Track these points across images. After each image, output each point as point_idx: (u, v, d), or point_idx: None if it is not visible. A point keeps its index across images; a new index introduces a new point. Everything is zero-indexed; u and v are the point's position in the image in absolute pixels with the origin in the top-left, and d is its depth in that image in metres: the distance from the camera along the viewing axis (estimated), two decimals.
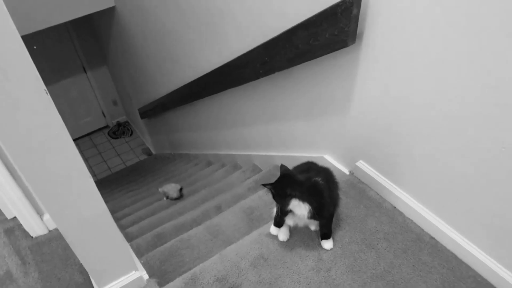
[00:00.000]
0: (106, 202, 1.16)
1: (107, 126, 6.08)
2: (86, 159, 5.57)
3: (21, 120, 0.84)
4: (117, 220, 2.53)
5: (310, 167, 1.37)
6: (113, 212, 2.81)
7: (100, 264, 1.19)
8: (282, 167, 1.29)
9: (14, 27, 0.75)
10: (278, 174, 2.08)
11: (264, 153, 2.34)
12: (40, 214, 1.55)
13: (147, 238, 1.91)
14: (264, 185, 1.26)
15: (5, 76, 0.78)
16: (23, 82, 0.80)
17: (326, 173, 1.33)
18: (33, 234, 1.55)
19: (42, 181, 0.94)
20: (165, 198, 2.64)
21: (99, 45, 5.24)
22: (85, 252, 1.13)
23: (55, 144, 0.91)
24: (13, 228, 1.58)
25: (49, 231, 1.58)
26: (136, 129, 5.91)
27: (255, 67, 1.76)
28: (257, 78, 1.82)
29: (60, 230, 1.05)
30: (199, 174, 2.95)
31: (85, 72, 5.46)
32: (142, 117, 4.69)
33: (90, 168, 5.42)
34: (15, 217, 1.60)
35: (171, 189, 2.58)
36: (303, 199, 1.21)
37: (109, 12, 3.60)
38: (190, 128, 3.46)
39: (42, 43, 4.81)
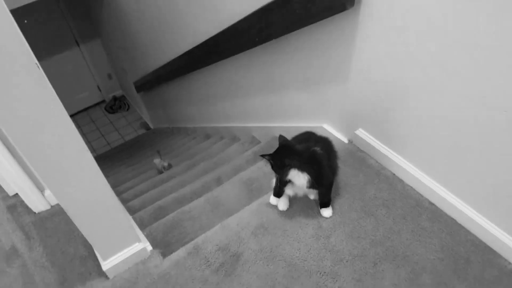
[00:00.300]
0: (107, 176, 1.16)
1: (103, 101, 6.02)
2: (84, 135, 5.55)
3: (13, 96, 0.82)
4: (119, 194, 2.55)
5: (309, 137, 1.36)
6: (114, 186, 2.83)
7: (103, 237, 1.21)
8: (281, 137, 1.29)
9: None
10: (276, 144, 2.09)
11: (262, 125, 2.33)
12: (41, 190, 1.56)
13: (149, 211, 1.93)
14: (263, 155, 1.26)
15: None
16: (13, 57, 0.78)
17: (324, 143, 1.33)
18: (35, 209, 1.57)
19: (40, 157, 0.94)
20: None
21: (91, 17, 5.10)
22: (88, 226, 1.14)
23: (50, 118, 0.90)
24: (16, 205, 1.59)
25: (51, 206, 1.59)
26: (133, 103, 5.86)
27: (251, 34, 1.71)
28: (254, 46, 1.78)
29: (62, 206, 1.06)
30: (198, 147, 2.95)
31: (78, 45, 5.34)
32: (138, 91, 4.63)
33: (88, 143, 5.42)
34: (16, 193, 1.61)
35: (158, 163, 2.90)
36: (301, 168, 1.21)
37: None
38: (187, 101, 3.42)
39: (32, 17, 4.67)
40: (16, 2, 3.03)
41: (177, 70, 2.90)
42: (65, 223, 1.50)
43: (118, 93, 6.06)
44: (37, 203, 1.56)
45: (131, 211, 2.12)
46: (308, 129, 1.85)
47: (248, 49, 1.83)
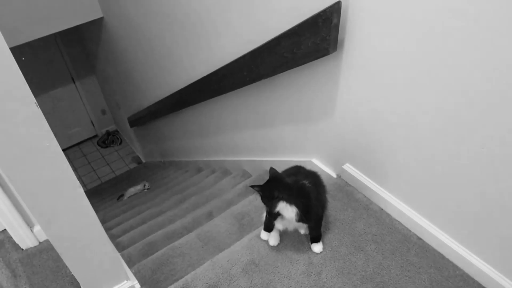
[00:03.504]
0: (96, 212, 1.17)
1: (96, 136, 6.04)
2: (75, 169, 5.52)
3: (11, 133, 0.85)
4: (108, 229, 2.52)
5: (298, 171, 1.39)
6: (103, 222, 2.80)
7: (91, 274, 1.20)
8: (271, 170, 1.32)
9: (2, 39, 0.76)
10: (267, 177, 2.11)
11: (253, 158, 2.36)
12: (30, 225, 1.54)
13: (138, 247, 1.91)
14: (253, 186, 1.28)
15: None
16: (13, 96, 0.81)
17: (313, 177, 1.36)
18: (23, 246, 1.55)
19: (32, 192, 0.95)
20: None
21: (87, 54, 5.23)
22: (76, 262, 1.14)
23: (45, 155, 0.92)
24: (3, 241, 1.57)
25: (40, 242, 1.57)
26: (126, 137, 5.88)
27: (242, 75, 1.79)
28: (244, 85, 1.85)
29: (51, 241, 1.06)
30: (189, 181, 2.96)
31: (74, 82, 5.43)
32: (131, 126, 4.68)
33: (79, 178, 5.38)
34: (5, 229, 1.59)
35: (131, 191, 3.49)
36: (290, 201, 1.23)
37: (97, 23, 3.61)
38: (180, 136, 3.47)
39: (30, 54, 4.78)
40: (16, 40, 3.12)
41: (170, 107, 2.96)
42: (53, 260, 1.48)
43: (112, 127, 6.10)
44: (25, 239, 1.54)
45: (120, 247, 2.09)
46: (298, 163, 1.89)
47: (239, 87, 1.90)
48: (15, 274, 1.43)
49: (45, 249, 1.53)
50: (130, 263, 1.83)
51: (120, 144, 5.90)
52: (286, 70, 1.52)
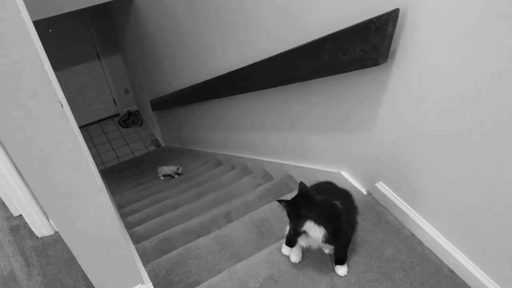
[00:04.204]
0: (113, 194, 1.12)
1: (117, 114, 6.06)
2: (95, 146, 5.56)
3: (32, 133, 0.79)
4: (124, 216, 2.50)
5: (329, 188, 1.31)
6: (120, 207, 2.79)
7: (106, 277, 1.15)
8: (301, 185, 1.24)
9: (31, 36, 0.70)
10: (289, 183, 2.03)
11: (276, 160, 2.28)
12: (46, 214, 1.51)
13: (154, 241, 1.87)
14: (280, 201, 1.21)
15: (18, 88, 0.72)
16: (37, 94, 0.75)
17: (345, 196, 1.27)
18: (38, 234, 1.52)
19: (52, 194, 0.90)
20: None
21: (114, 32, 5.19)
22: (91, 265, 1.09)
23: (67, 157, 0.86)
24: (19, 226, 1.55)
25: (55, 231, 1.54)
26: (146, 119, 5.88)
27: (276, 75, 1.69)
28: (277, 86, 1.76)
29: (67, 243, 1.01)
30: (208, 174, 2.90)
31: (99, 58, 5.42)
32: (153, 109, 4.65)
33: (98, 155, 5.42)
34: (20, 215, 1.57)
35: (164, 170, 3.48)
36: (318, 222, 1.15)
37: (128, 1, 3.55)
38: (202, 126, 3.41)
39: (57, 27, 4.77)
40: (44, 13, 3.08)
41: (195, 96, 2.90)
42: (68, 252, 1.45)
43: (133, 108, 6.10)
44: (41, 227, 1.51)
45: (135, 238, 2.06)
46: (325, 173, 1.81)
47: (271, 87, 1.81)
48: (28, 263, 1.41)
49: (61, 240, 1.50)
50: (144, 257, 1.80)
51: (140, 125, 5.90)
52: (326, 76, 1.42)
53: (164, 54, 3.41)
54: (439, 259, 1.34)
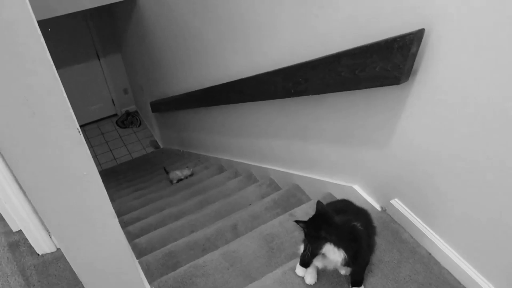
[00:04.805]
0: (112, 200, 1.05)
1: (115, 115, 5.98)
2: (91, 147, 5.48)
3: (48, 159, 0.74)
4: (124, 225, 2.44)
5: (347, 207, 1.26)
6: (119, 214, 2.72)
7: None
8: (319, 204, 1.19)
9: (49, 58, 0.64)
10: (298, 194, 1.98)
11: (283, 169, 2.23)
12: (48, 230, 1.45)
13: (157, 256, 1.81)
14: (298, 222, 1.16)
15: (33, 114, 0.67)
16: (54, 120, 0.70)
17: (364, 216, 1.23)
18: (39, 251, 1.46)
19: (63, 221, 0.84)
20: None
21: (115, 32, 5.11)
22: None
23: (82, 183, 0.80)
24: (18, 243, 1.49)
25: (57, 248, 1.48)
26: (145, 120, 5.80)
27: (287, 86, 1.64)
28: (287, 97, 1.70)
29: (74, 269, 0.95)
30: (211, 181, 2.84)
31: (98, 58, 5.33)
32: (153, 111, 4.57)
33: (95, 157, 5.34)
34: (20, 230, 1.50)
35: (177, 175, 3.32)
36: (338, 245, 1.11)
37: (130, 2, 3.47)
38: (204, 130, 3.35)
39: (57, 26, 4.67)
40: (46, 13, 3.01)
41: (200, 101, 2.84)
42: (70, 271, 1.39)
43: (132, 108, 6.02)
44: (42, 244, 1.45)
45: (137, 250, 2.00)
46: (336, 186, 1.76)
47: (281, 98, 1.76)
48: (28, 282, 1.35)
49: (63, 257, 1.44)
50: (148, 272, 1.74)
51: (139, 126, 5.82)
52: (341, 91, 1.37)
53: (167, 57, 3.35)
54: (457, 280, 1.30)
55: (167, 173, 3.42)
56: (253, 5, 1.75)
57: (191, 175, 3.32)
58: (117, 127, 5.83)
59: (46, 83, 0.67)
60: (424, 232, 1.38)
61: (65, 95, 0.69)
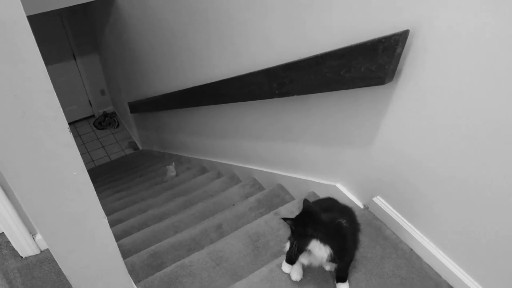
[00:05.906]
0: None
1: (93, 116, 5.86)
2: None
3: (39, 159, 0.73)
4: None
5: (332, 206, 1.29)
6: None
7: None
8: (305, 202, 1.22)
9: (41, 61, 0.64)
10: (281, 194, 2.01)
11: (266, 170, 2.25)
12: (32, 233, 1.42)
13: (142, 256, 1.80)
14: (285, 219, 1.19)
15: (24, 114, 0.66)
16: (45, 121, 0.69)
17: (349, 214, 1.26)
18: (23, 254, 1.42)
19: (53, 223, 0.83)
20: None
21: (91, 32, 5.01)
22: None
23: (72, 184, 0.80)
24: (0, 245, 1.44)
25: (41, 251, 1.45)
26: (123, 121, 5.71)
27: (271, 86, 1.66)
28: (271, 97, 1.73)
29: (65, 272, 0.94)
30: (194, 182, 2.84)
31: (75, 58, 5.21)
32: (132, 112, 4.51)
33: None
34: (2, 233, 1.46)
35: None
36: (325, 241, 1.14)
37: (108, 1, 3.42)
38: (186, 131, 3.33)
39: (31, 24, 4.53)
40: (27, 10, 2.93)
41: (182, 102, 2.82)
42: (55, 273, 1.36)
43: (109, 109, 5.92)
44: (26, 246, 1.42)
45: (121, 252, 1.97)
46: (319, 185, 1.80)
47: (266, 98, 1.78)
48: (12, 285, 1.31)
49: (47, 260, 1.41)
50: (133, 273, 1.72)
51: (117, 127, 5.73)
52: (326, 91, 1.41)
53: (146, 57, 3.32)
54: (438, 274, 1.35)
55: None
56: (240, 8, 1.77)
57: (176, 175, 3.30)
58: (94, 128, 5.71)
59: (37, 82, 0.66)
60: (406, 228, 1.43)
61: (55, 94, 0.68)
